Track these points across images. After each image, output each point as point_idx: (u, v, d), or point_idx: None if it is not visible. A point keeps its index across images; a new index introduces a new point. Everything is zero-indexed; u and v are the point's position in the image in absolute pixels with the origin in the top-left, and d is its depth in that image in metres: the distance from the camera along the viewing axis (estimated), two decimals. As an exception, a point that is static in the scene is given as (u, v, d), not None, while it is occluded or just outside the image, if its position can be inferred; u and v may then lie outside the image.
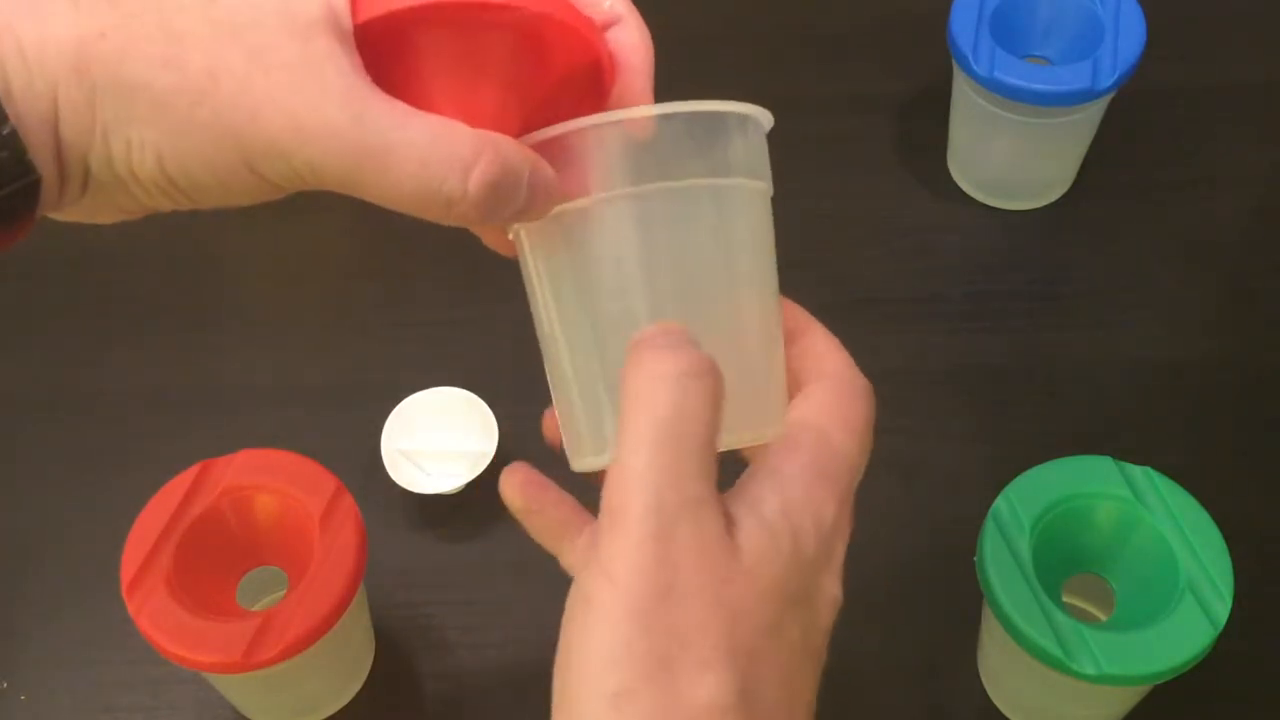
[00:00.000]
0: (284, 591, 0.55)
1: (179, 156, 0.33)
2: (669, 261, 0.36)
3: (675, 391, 0.33)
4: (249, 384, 0.71)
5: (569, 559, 0.39)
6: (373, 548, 0.55)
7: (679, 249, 0.36)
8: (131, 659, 0.60)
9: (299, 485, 0.55)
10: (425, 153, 0.33)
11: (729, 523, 0.34)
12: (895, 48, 0.82)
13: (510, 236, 0.39)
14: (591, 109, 0.36)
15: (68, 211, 0.35)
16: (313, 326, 0.73)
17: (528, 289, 0.38)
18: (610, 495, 0.33)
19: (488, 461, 0.64)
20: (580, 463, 0.38)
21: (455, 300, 0.73)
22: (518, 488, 0.39)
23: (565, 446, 0.39)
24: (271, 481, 0.56)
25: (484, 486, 0.64)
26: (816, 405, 0.38)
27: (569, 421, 0.38)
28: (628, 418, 0.34)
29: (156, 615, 0.52)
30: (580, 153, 0.36)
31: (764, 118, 0.37)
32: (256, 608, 0.58)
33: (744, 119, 0.37)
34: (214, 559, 0.55)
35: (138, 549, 0.53)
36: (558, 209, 0.36)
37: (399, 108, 0.33)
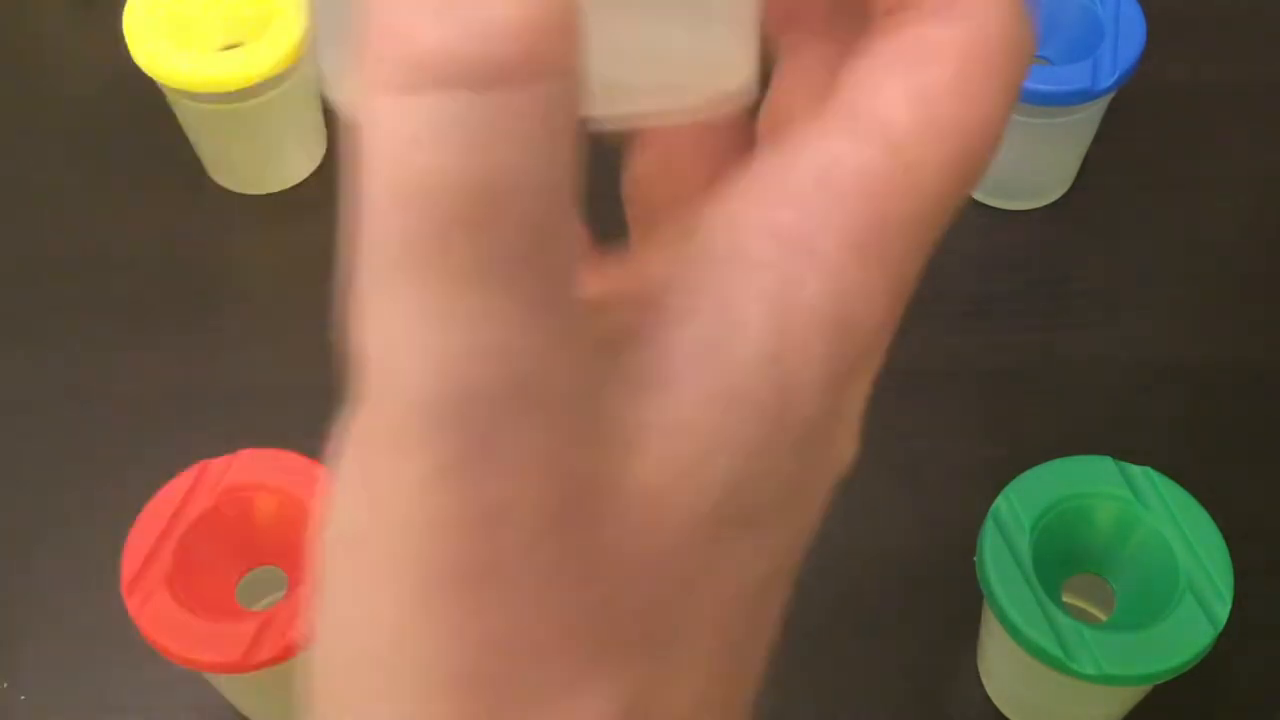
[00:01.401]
0: (284, 591, 0.55)
1: None
2: None
3: (459, 126, 0.15)
4: (249, 384, 0.71)
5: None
6: (373, 548, 0.55)
7: None
8: (131, 659, 0.60)
9: (299, 485, 0.55)
10: None
11: (638, 377, 0.18)
12: (895, 48, 0.82)
13: None
14: None
15: None
16: (313, 326, 0.73)
17: None
18: (364, 350, 0.18)
19: (488, 461, 0.63)
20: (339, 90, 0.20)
21: (455, 300, 0.73)
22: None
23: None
24: (271, 481, 0.55)
25: (484, 486, 0.64)
26: (919, 83, 0.18)
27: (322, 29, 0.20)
28: (367, 191, 0.16)
29: (156, 615, 0.52)
30: None
31: None
32: (256, 608, 0.58)
33: None
34: (214, 559, 0.55)
35: (138, 549, 0.53)
36: None
37: None
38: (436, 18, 0.15)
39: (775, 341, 0.18)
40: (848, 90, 0.19)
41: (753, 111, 0.21)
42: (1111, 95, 0.70)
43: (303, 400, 0.72)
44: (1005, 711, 0.60)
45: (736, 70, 0.19)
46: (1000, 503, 0.55)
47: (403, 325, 0.16)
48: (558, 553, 0.17)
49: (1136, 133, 0.79)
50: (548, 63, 0.15)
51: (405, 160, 0.15)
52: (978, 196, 0.77)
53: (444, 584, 0.17)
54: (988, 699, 0.61)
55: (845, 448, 0.20)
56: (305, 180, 0.78)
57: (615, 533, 0.18)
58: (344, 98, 0.19)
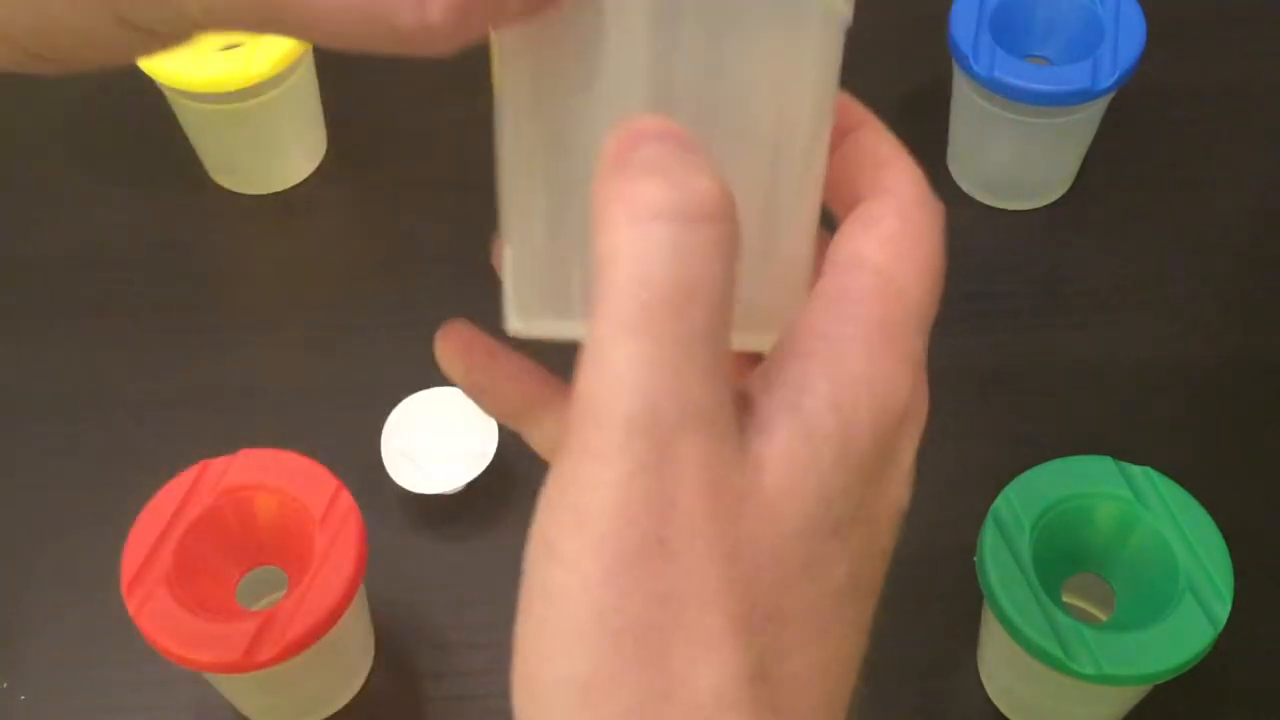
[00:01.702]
0: (284, 591, 0.55)
1: (37, 34, 0.26)
2: (698, 79, 0.27)
3: (672, 243, 0.23)
4: (249, 384, 0.71)
5: (538, 443, 0.31)
6: (373, 548, 0.55)
7: (718, 65, 0.27)
8: (131, 659, 0.60)
9: (299, 485, 0.55)
10: None
11: (755, 427, 0.25)
12: (895, 48, 0.82)
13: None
14: None
15: None
16: (313, 326, 0.73)
17: (497, 95, 0.29)
18: (583, 398, 0.24)
19: (487, 462, 0.63)
20: (528, 324, 0.29)
21: (455, 300, 0.73)
22: (458, 355, 0.31)
23: (506, 300, 0.30)
24: (271, 481, 0.55)
25: (484, 486, 0.64)
26: (876, 235, 0.28)
27: (518, 267, 0.29)
28: (604, 286, 0.24)
29: (156, 615, 0.52)
30: None
31: None
32: (256, 608, 0.58)
33: None
34: (214, 559, 0.55)
35: (138, 549, 0.53)
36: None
37: None
38: (669, 182, 0.24)
39: (833, 395, 0.26)
40: (837, 251, 0.28)
41: None
42: (1111, 95, 0.70)
43: (303, 400, 0.72)
44: (1005, 711, 0.60)
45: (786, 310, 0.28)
46: (1000, 503, 0.55)
47: (624, 367, 0.23)
48: (712, 536, 0.24)
49: (1136, 133, 0.79)
50: (727, 213, 0.24)
51: (642, 261, 0.23)
52: (978, 197, 0.77)
53: (626, 555, 0.23)
54: (988, 699, 0.61)
55: (900, 491, 0.28)
56: (305, 180, 0.78)
57: (751, 527, 0.24)
58: (522, 327, 0.29)
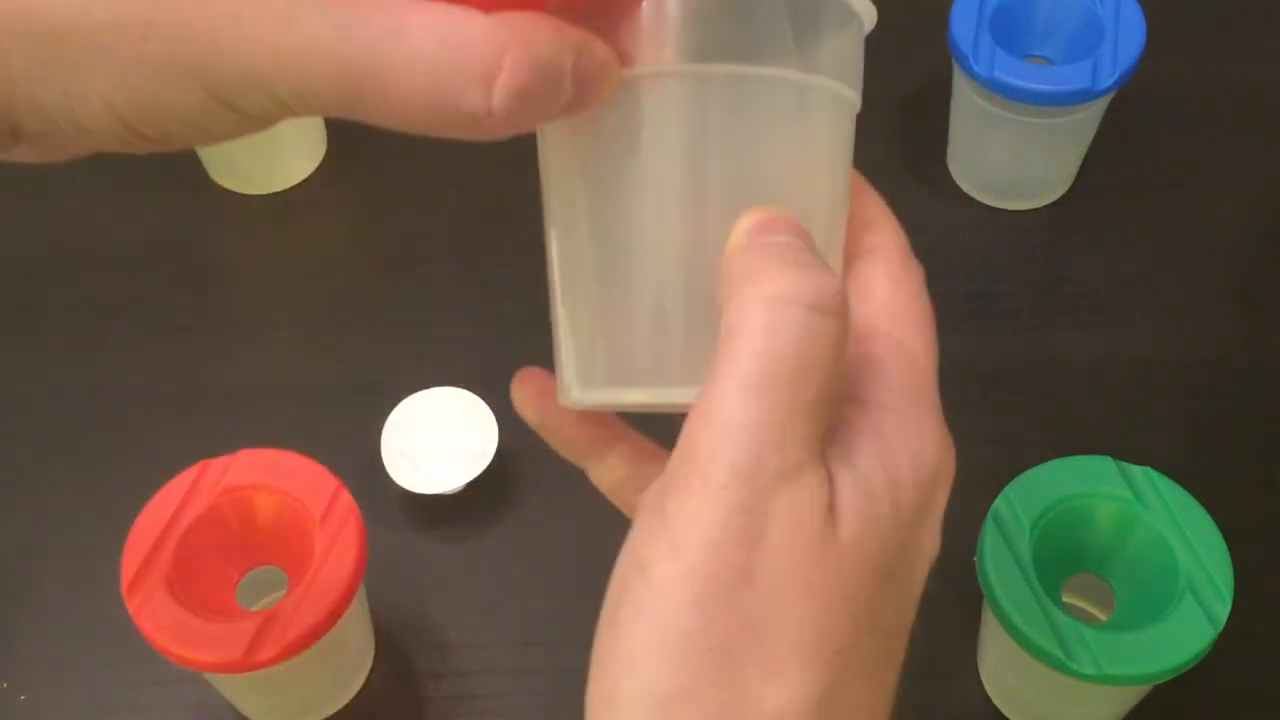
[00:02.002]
0: (284, 591, 0.55)
1: (136, 105, 0.27)
2: (727, 160, 0.30)
3: (801, 327, 0.27)
4: (249, 384, 0.71)
5: (599, 479, 0.34)
6: (373, 548, 0.55)
7: (745, 148, 0.30)
8: (131, 659, 0.60)
9: (299, 485, 0.55)
10: (432, 63, 0.26)
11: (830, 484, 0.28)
12: (895, 48, 0.82)
13: None
14: None
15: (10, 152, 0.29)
16: (313, 326, 0.73)
17: (545, 183, 0.32)
18: (694, 444, 0.27)
19: (488, 461, 0.63)
20: (587, 394, 0.31)
21: (455, 300, 0.73)
22: (530, 399, 0.34)
23: (564, 373, 0.32)
24: (271, 481, 0.55)
25: (484, 486, 0.64)
26: (879, 302, 0.31)
27: (579, 342, 0.31)
28: (732, 350, 0.27)
29: (156, 615, 0.52)
30: (649, 12, 0.29)
31: (869, 18, 0.32)
32: (256, 608, 0.58)
33: (850, 13, 0.31)
34: (214, 559, 0.55)
35: (138, 549, 0.53)
36: None
37: (393, 6, 0.26)
38: (804, 274, 0.27)
39: (880, 454, 0.29)
40: (840, 424, 0.31)
41: None
42: (1111, 95, 0.70)
43: (303, 400, 0.72)
44: (1005, 711, 0.60)
45: None
46: (1000, 503, 0.55)
47: (740, 422, 0.27)
48: (794, 574, 0.27)
49: (1136, 133, 0.79)
50: (845, 311, 0.28)
51: (773, 336, 0.27)
52: (978, 197, 0.77)
53: (716, 583, 0.26)
54: (988, 699, 0.61)
55: (934, 540, 0.31)
56: (305, 180, 0.78)
57: (828, 570, 0.27)
58: (582, 397, 0.31)
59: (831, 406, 0.28)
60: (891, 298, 0.31)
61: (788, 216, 0.29)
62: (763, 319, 0.27)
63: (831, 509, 0.28)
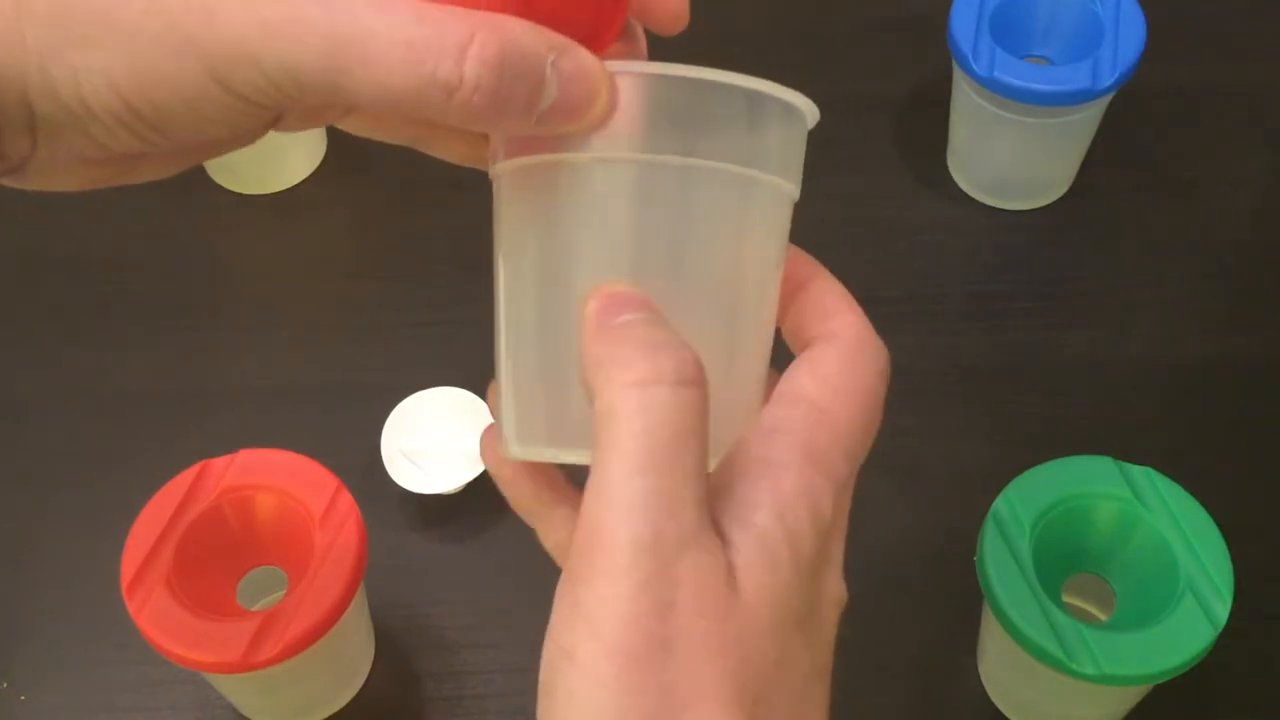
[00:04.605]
0: (284, 591, 0.55)
1: (136, 78, 0.29)
2: (670, 240, 0.32)
3: (670, 403, 0.29)
4: (249, 384, 0.71)
5: (546, 539, 0.36)
6: (373, 548, 0.55)
7: (687, 229, 0.32)
8: (131, 659, 0.60)
9: (299, 485, 0.55)
10: (410, 34, 0.28)
11: (724, 545, 0.30)
12: (895, 48, 0.82)
13: (491, 172, 0.34)
14: (608, 37, 0.33)
15: (25, 175, 0.31)
16: (313, 326, 0.73)
17: (496, 243, 0.34)
18: (593, 528, 0.29)
19: (488, 461, 0.63)
20: (526, 450, 0.33)
21: (455, 300, 0.73)
22: (490, 445, 0.36)
23: (505, 427, 0.34)
24: (271, 481, 0.56)
25: (484, 486, 0.64)
26: (815, 373, 0.33)
27: (519, 401, 0.34)
28: (612, 435, 0.29)
29: (156, 615, 0.52)
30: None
31: (812, 115, 0.34)
32: (256, 608, 0.58)
33: (791, 110, 0.33)
34: (214, 559, 0.55)
35: (138, 549, 0.53)
36: (551, 159, 0.31)
37: None
38: (663, 354, 0.29)
39: (777, 508, 0.30)
40: (781, 387, 0.33)
41: None
42: (1111, 95, 0.70)
43: (303, 400, 0.72)
44: (1005, 711, 0.60)
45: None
46: (1000, 503, 0.55)
47: (633, 500, 0.28)
48: (706, 635, 0.28)
49: (1136, 133, 0.79)
50: (704, 378, 0.29)
51: (645, 415, 0.28)
52: (978, 197, 0.77)
53: (635, 655, 0.28)
54: (988, 699, 0.61)
55: (838, 587, 0.32)
56: (305, 180, 0.78)
57: (737, 626, 0.29)
58: (520, 452, 0.33)
59: (706, 468, 0.30)
60: (835, 373, 0.33)
61: (629, 291, 0.30)
62: (634, 402, 0.28)
63: (731, 567, 0.29)
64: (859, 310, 0.34)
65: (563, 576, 0.30)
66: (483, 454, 0.36)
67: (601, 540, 0.28)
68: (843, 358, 0.33)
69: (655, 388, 0.29)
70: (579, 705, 0.28)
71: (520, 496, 0.36)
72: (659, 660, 0.28)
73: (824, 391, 0.32)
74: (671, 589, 0.28)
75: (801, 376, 0.33)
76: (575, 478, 0.34)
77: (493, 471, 0.36)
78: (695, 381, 0.29)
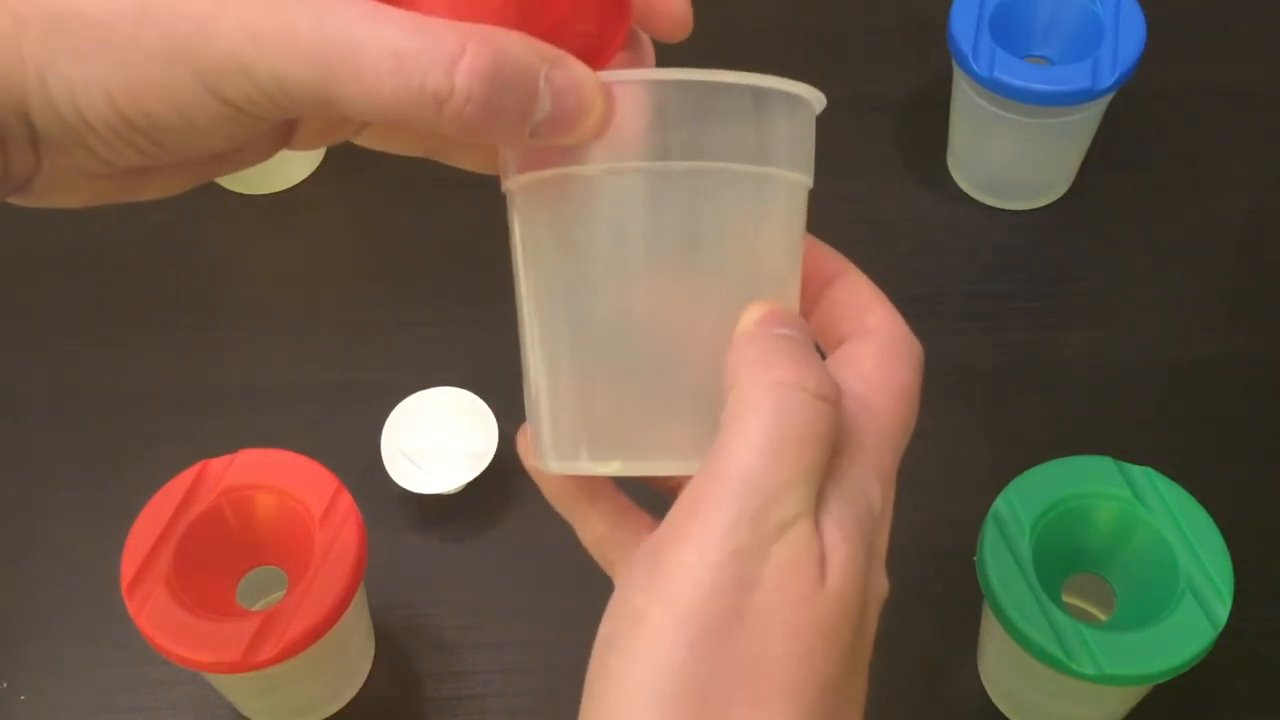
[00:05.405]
0: (284, 591, 0.55)
1: (130, 90, 0.29)
2: (686, 232, 0.32)
3: (805, 407, 0.30)
4: (249, 384, 0.71)
5: (584, 534, 0.36)
6: (373, 548, 0.55)
7: (702, 221, 0.32)
8: (131, 659, 0.60)
9: (299, 485, 0.55)
10: (400, 46, 0.28)
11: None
12: (895, 48, 0.82)
13: (504, 188, 0.34)
14: (611, 47, 0.33)
15: (31, 192, 0.32)
16: (313, 326, 0.73)
17: (516, 258, 0.34)
18: (698, 498, 0.29)
19: (488, 461, 0.63)
20: (563, 465, 0.34)
21: (455, 300, 0.73)
22: (526, 446, 0.35)
23: (541, 440, 0.34)
24: (271, 481, 0.56)
25: (484, 486, 0.64)
26: (856, 370, 0.33)
27: (554, 417, 0.34)
28: (741, 423, 0.29)
29: (156, 615, 0.52)
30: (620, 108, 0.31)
31: (817, 101, 0.33)
32: (256, 608, 0.58)
33: (795, 100, 0.33)
34: (214, 559, 0.55)
35: (138, 549, 0.53)
36: (562, 172, 0.31)
37: (370, 5, 0.29)
38: (808, 369, 0.30)
39: (848, 498, 0.30)
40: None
41: None
42: (1111, 95, 0.70)
43: (303, 400, 0.72)
44: (1005, 711, 0.60)
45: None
46: (1000, 503, 0.55)
47: (750, 478, 0.29)
48: (783, 614, 0.29)
49: (1136, 133, 0.79)
50: (838, 399, 0.31)
51: (782, 412, 0.30)
52: (978, 197, 0.77)
53: (707, 625, 0.28)
54: (988, 699, 0.61)
55: (881, 579, 0.32)
56: (305, 180, 0.78)
57: (819, 612, 0.29)
58: (558, 466, 0.33)
59: (823, 470, 0.30)
60: (874, 369, 0.33)
61: (789, 311, 0.32)
62: (773, 397, 0.29)
63: (823, 558, 0.30)
64: (891, 306, 0.35)
65: (648, 541, 0.30)
66: (521, 454, 0.36)
67: (703, 510, 0.29)
68: (881, 353, 0.34)
69: (796, 391, 0.30)
70: (640, 663, 0.28)
71: (560, 493, 0.36)
72: (731, 633, 0.28)
73: (865, 387, 0.33)
74: (760, 566, 0.28)
75: (842, 372, 0.33)
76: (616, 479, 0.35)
77: (532, 471, 0.36)
78: (833, 400, 0.30)
